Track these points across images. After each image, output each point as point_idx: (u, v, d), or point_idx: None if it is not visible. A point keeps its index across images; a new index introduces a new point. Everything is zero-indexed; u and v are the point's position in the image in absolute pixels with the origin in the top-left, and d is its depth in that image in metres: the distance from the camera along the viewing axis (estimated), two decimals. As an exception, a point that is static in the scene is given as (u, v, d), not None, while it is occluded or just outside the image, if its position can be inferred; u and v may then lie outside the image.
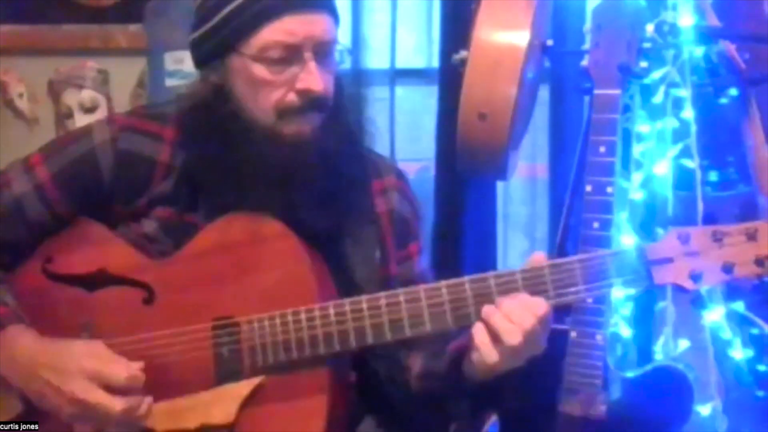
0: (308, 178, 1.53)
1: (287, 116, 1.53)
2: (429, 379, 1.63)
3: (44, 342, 1.50)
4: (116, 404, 1.45)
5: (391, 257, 1.68)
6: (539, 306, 1.43)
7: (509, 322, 1.42)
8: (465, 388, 1.56)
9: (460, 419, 1.61)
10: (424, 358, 1.64)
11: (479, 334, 1.44)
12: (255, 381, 1.49)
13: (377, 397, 1.67)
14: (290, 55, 1.51)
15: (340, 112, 1.60)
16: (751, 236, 1.39)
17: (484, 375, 1.50)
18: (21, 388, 1.50)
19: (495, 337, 1.43)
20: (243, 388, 1.49)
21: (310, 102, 1.53)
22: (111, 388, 1.45)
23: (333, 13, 1.56)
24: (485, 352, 1.44)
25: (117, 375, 1.46)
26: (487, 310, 1.44)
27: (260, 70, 1.52)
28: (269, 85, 1.52)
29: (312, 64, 1.51)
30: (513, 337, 1.42)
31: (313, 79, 1.51)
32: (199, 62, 1.60)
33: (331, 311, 1.47)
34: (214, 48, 1.55)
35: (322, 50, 1.53)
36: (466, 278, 1.46)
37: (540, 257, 1.48)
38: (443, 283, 1.46)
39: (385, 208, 1.69)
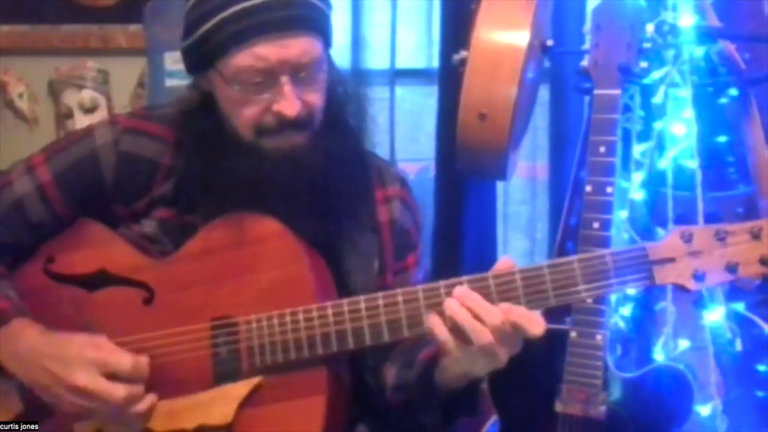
0: (292, 190, 1.51)
1: (265, 134, 1.51)
2: (402, 390, 1.60)
3: (48, 335, 1.50)
4: (119, 391, 1.45)
5: (389, 267, 1.67)
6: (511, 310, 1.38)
7: (477, 321, 1.38)
8: (436, 398, 1.52)
9: (435, 429, 1.57)
10: (397, 369, 1.62)
11: (441, 331, 1.40)
12: (253, 381, 1.49)
13: (368, 405, 1.66)
14: (265, 78, 1.48)
15: (340, 120, 1.58)
16: (756, 235, 1.36)
17: (457, 381, 1.48)
18: (25, 382, 1.50)
19: (461, 337, 1.39)
20: (241, 388, 1.49)
21: (287, 123, 1.50)
22: (114, 377, 1.45)
23: (315, 32, 1.50)
24: (454, 354, 1.40)
25: (120, 362, 1.46)
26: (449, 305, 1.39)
27: (235, 92, 1.50)
28: (245, 104, 1.50)
29: (287, 89, 1.47)
30: (483, 336, 1.37)
31: (287, 104, 1.48)
32: (189, 70, 1.60)
33: (330, 311, 1.47)
34: (198, 60, 1.54)
35: (302, 73, 1.49)
36: (464, 278, 1.44)
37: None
38: (441, 283, 1.45)
39: (388, 217, 1.68)
